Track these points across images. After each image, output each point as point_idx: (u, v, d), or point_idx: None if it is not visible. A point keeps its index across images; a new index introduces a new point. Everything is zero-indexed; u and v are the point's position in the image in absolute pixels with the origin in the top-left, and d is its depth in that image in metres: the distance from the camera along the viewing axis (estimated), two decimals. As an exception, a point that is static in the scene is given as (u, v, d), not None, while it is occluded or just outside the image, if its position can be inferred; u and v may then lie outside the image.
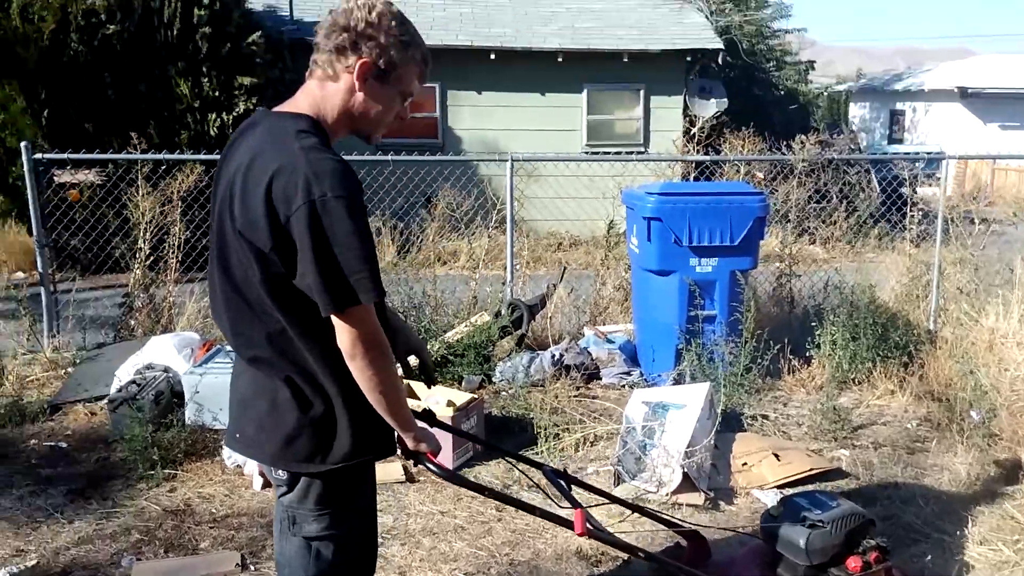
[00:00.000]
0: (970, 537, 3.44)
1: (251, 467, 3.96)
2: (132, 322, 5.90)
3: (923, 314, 6.20)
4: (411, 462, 2.27)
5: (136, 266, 6.01)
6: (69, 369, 5.17)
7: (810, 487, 3.95)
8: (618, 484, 3.97)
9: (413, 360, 2.42)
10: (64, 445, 4.25)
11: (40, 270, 5.65)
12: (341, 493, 2.06)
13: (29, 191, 5.53)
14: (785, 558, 2.83)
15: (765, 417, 4.83)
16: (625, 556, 3.09)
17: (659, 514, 3.02)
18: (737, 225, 5.13)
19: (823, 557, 2.75)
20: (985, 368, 4.43)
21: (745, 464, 4.12)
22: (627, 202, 5.67)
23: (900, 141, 23.68)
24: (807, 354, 5.52)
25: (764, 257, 6.69)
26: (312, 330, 1.92)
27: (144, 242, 5.97)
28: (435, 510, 3.68)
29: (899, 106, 24.21)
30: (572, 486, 2.84)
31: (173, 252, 6.06)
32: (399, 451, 2.17)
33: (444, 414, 4.10)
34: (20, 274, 9.74)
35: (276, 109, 2.04)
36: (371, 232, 1.90)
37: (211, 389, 4.36)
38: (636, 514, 3.08)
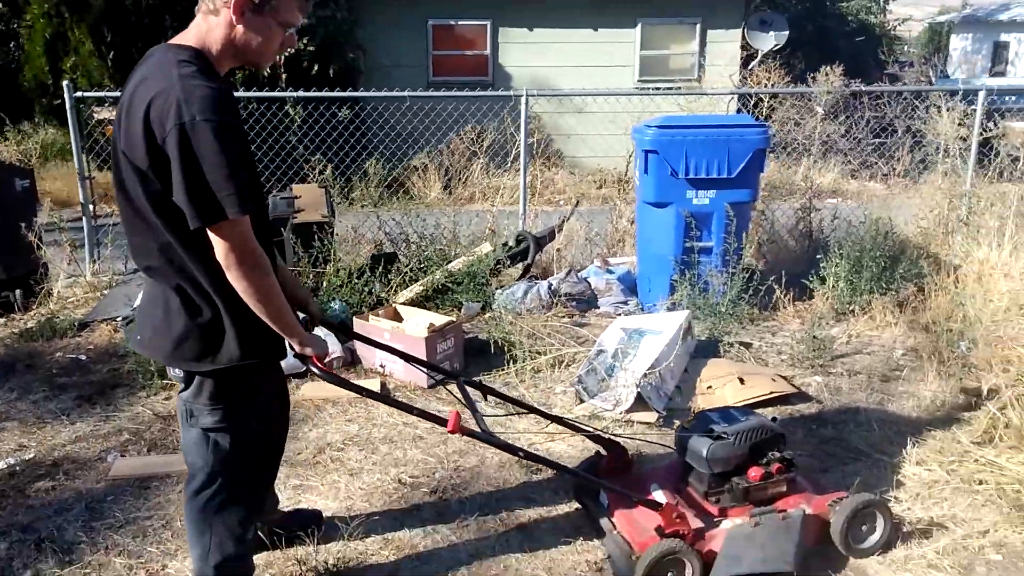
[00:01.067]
0: (909, 458, 3.49)
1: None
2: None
3: (946, 248, 6.04)
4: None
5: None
6: (104, 292, 5.68)
7: (769, 410, 4.05)
8: (580, 403, 4.16)
9: (300, 314, 2.67)
10: (83, 358, 4.73)
11: (81, 200, 6.16)
12: (233, 391, 2.32)
13: (71, 127, 6.02)
14: (694, 468, 2.98)
15: (748, 345, 4.89)
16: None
17: (577, 424, 3.19)
18: (735, 157, 5.11)
19: (725, 466, 2.89)
20: (972, 300, 4.36)
21: (710, 387, 4.23)
22: (633, 136, 5.70)
23: (1002, 74, 22.19)
24: (811, 287, 5.51)
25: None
26: (194, 243, 2.14)
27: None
28: (400, 421, 3.95)
29: (1004, 37, 22.61)
30: (490, 395, 3.06)
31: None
32: (294, 356, 2.40)
33: (420, 335, 4.37)
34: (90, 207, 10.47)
35: (169, 41, 2.26)
36: (241, 153, 2.10)
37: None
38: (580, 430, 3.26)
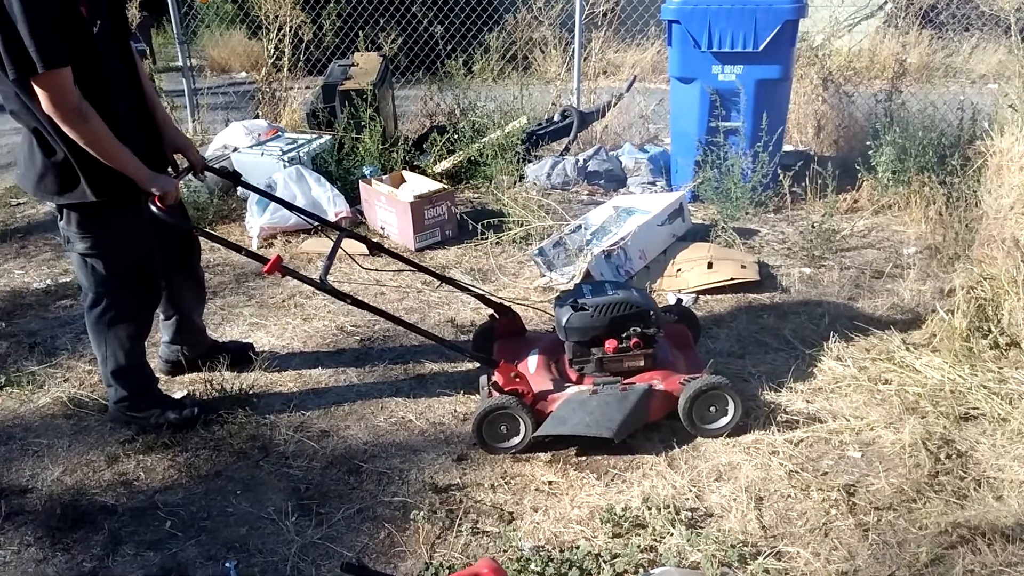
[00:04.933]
0: (830, 352, 3.34)
1: (254, 231, 4.81)
2: (257, 111, 6.96)
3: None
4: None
5: (264, 64, 7.01)
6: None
7: (729, 296, 3.97)
8: (542, 277, 4.26)
9: (180, 158, 2.96)
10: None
11: (180, 63, 6.81)
12: (98, 222, 2.70)
13: (169, -5, 6.63)
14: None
15: (754, 232, 4.70)
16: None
17: (469, 287, 3.33)
18: (762, 29, 4.75)
19: (582, 336, 2.96)
20: (987, 194, 3.90)
21: (679, 270, 4.17)
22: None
23: None
24: (860, 176, 5.12)
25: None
26: (32, 93, 2.43)
27: (268, 41, 6.89)
28: (373, 280, 4.26)
29: None
30: (378, 253, 3.27)
31: (291, 51, 6.91)
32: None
33: (406, 200, 4.60)
34: (243, 73, 11.40)
35: None
36: (48, 13, 2.29)
37: (253, 167, 5.21)
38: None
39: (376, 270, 4.18)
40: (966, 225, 4.15)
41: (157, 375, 3.20)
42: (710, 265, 4.09)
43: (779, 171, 4.92)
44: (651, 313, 2.97)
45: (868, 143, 5.11)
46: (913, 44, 8.48)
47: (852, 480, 2.64)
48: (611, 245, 4.12)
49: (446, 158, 5.82)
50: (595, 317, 2.93)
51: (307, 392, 3.32)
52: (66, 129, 2.45)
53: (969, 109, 5.17)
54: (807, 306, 3.84)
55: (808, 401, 3.07)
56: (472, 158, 5.69)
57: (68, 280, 4.37)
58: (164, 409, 3.03)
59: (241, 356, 3.48)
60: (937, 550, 2.30)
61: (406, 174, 5.11)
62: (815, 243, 4.39)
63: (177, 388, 3.30)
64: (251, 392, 3.29)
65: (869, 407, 3.00)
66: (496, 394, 2.86)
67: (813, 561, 2.30)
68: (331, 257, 2.93)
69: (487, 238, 4.63)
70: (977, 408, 2.93)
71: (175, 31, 6.86)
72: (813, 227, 4.42)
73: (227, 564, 2.25)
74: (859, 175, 5.11)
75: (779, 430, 2.88)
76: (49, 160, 2.59)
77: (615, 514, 2.47)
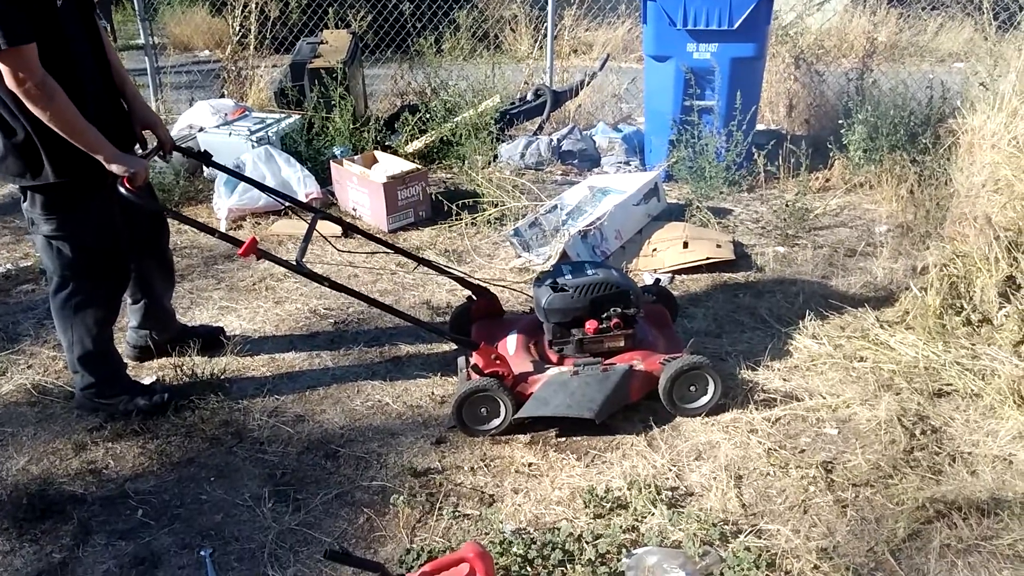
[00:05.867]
0: (806, 331, 3.36)
1: (222, 212, 4.71)
2: (223, 90, 6.81)
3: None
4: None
5: (229, 42, 6.85)
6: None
7: (704, 275, 3.97)
8: (518, 257, 4.22)
9: (149, 134, 2.87)
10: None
11: (142, 41, 6.63)
12: (63, 203, 2.61)
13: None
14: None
15: (728, 212, 4.70)
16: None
17: (446, 269, 3.28)
18: (738, 6, 4.73)
19: (562, 317, 2.93)
20: (959, 172, 3.93)
21: (655, 250, 4.16)
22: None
23: None
24: (831, 155, 5.14)
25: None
26: None
27: (233, 19, 6.72)
28: (347, 261, 4.19)
29: None
30: (353, 234, 3.21)
31: (257, 28, 6.76)
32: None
33: (379, 180, 4.53)
34: (207, 52, 11.15)
35: None
36: None
37: (221, 147, 5.08)
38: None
39: (351, 252, 4.11)
40: (937, 203, 4.19)
41: (125, 360, 3.12)
42: (685, 245, 4.08)
43: (752, 150, 4.93)
44: (631, 293, 2.95)
45: (840, 122, 5.13)
46: (882, 23, 8.52)
47: (829, 457, 2.65)
48: (587, 225, 4.10)
49: (418, 138, 5.74)
50: (575, 298, 2.91)
51: (281, 376, 3.26)
52: (31, 107, 2.35)
53: (939, 88, 5.21)
54: (782, 285, 3.85)
55: (785, 379, 3.08)
56: (445, 138, 5.61)
57: (29, 264, 4.24)
58: (133, 395, 2.96)
59: (212, 340, 3.41)
60: (914, 525, 2.32)
61: (378, 154, 5.03)
62: (788, 222, 4.41)
63: (146, 374, 3.22)
64: (223, 377, 3.22)
65: (845, 384, 3.02)
66: (476, 376, 2.82)
67: (793, 538, 2.31)
68: (307, 239, 2.86)
69: (462, 219, 4.57)
70: (951, 384, 2.96)
71: (136, 8, 6.68)
72: (787, 206, 4.44)
73: (202, 552, 2.20)
74: (831, 154, 5.13)
75: (757, 408, 2.89)
76: (10, 141, 2.49)
77: (596, 495, 2.46)
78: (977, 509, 2.36)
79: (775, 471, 2.59)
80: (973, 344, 3.14)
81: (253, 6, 6.66)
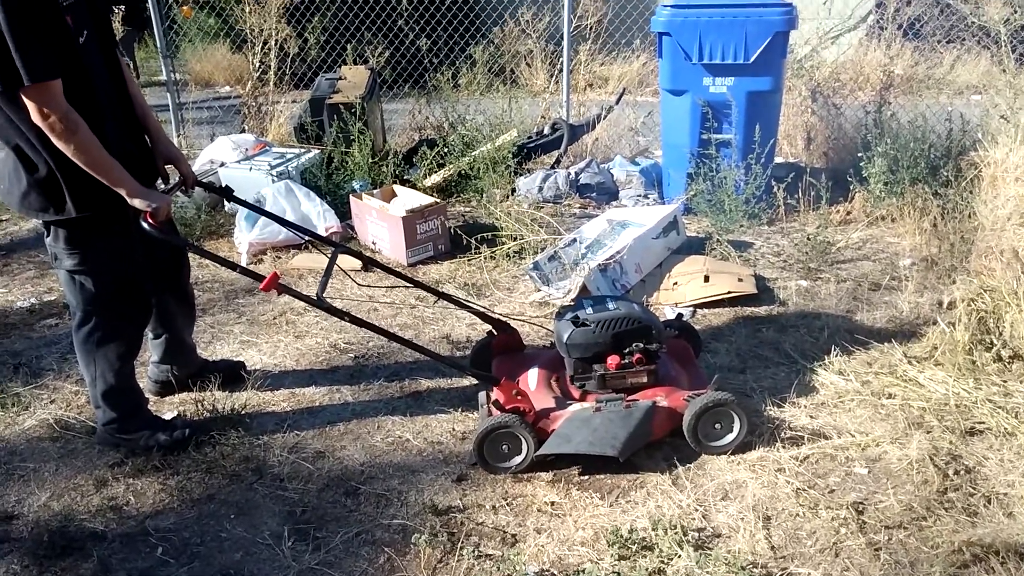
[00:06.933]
0: (832, 366, 3.31)
1: (243, 247, 4.73)
2: (244, 125, 6.89)
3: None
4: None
5: (249, 78, 6.94)
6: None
7: (727, 310, 3.93)
8: (538, 291, 4.20)
9: (171, 169, 2.89)
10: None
11: (164, 77, 6.73)
12: (86, 237, 2.62)
13: (151, 9, 6.53)
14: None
15: (749, 245, 4.67)
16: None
17: (466, 303, 3.28)
18: (753, 41, 4.74)
19: (584, 352, 2.90)
20: (983, 205, 3.90)
21: (676, 283, 4.14)
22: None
23: None
24: (852, 189, 5.12)
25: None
26: (16, 107, 2.37)
27: (253, 55, 6.82)
28: (367, 296, 4.19)
29: None
30: (373, 268, 3.21)
31: (276, 64, 6.85)
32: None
33: (398, 215, 4.54)
34: (227, 87, 11.31)
35: None
36: (35, 26, 2.24)
37: (242, 182, 5.14)
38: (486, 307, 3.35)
39: (370, 286, 4.11)
40: (962, 236, 4.14)
41: (146, 396, 3.11)
42: (707, 278, 4.05)
43: (772, 183, 4.91)
44: (653, 328, 2.92)
45: (859, 155, 5.11)
46: (897, 56, 8.53)
47: (860, 497, 2.59)
48: (607, 259, 4.08)
49: (436, 172, 5.77)
50: (597, 333, 2.88)
51: (301, 411, 3.24)
52: (55, 141, 2.38)
53: (958, 120, 5.19)
54: (806, 319, 3.81)
55: (812, 416, 3.03)
56: (463, 172, 5.64)
57: (53, 298, 4.27)
58: (154, 431, 2.95)
59: (232, 375, 3.40)
60: (950, 570, 2.26)
61: (397, 188, 5.05)
62: (810, 255, 4.38)
63: (167, 409, 3.21)
64: (243, 412, 3.21)
65: (874, 422, 2.97)
66: (497, 412, 2.80)
67: (825, 582, 2.25)
68: (327, 273, 2.86)
69: (481, 252, 4.57)
70: (983, 422, 2.90)
71: (158, 45, 6.79)
72: (808, 239, 4.41)
73: (223, 593, 2.17)
74: (851, 187, 5.11)
75: (784, 447, 2.84)
76: (32, 177, 2.51)
77: (621, 536, 2.41)
78: (1016, 553, 2.29)
79: (804, 512, 2.53)
80: (1005, 381, 3.08)
81: (273, 43, 6.75)
